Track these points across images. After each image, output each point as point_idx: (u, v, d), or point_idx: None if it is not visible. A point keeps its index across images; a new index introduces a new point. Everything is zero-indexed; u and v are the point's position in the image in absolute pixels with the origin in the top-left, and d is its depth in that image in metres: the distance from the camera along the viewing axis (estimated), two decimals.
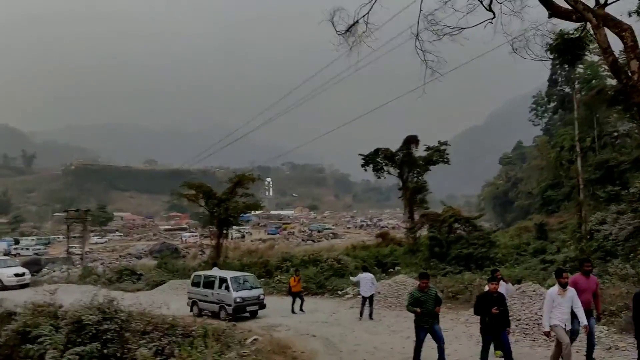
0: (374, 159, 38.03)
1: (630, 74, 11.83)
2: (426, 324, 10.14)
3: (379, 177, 39.14)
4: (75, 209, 55.43)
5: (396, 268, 26.86)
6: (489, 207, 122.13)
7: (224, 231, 36.40)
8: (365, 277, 17.05)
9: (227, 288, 18.47)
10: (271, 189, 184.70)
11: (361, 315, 16.82)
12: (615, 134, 59.46)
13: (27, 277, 30.97)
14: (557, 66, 76.32)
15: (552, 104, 79.05)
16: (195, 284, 20.42)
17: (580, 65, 76.26)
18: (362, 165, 38.51)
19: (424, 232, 36.24)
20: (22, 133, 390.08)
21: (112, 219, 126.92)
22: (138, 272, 30.04)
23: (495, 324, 9.21)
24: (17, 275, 30.14)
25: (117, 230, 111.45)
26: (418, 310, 10.03)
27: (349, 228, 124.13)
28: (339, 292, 21.50)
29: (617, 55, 12.21)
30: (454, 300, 16.80)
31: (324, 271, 27.53)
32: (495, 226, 79.87)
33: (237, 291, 18.41)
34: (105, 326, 12.60)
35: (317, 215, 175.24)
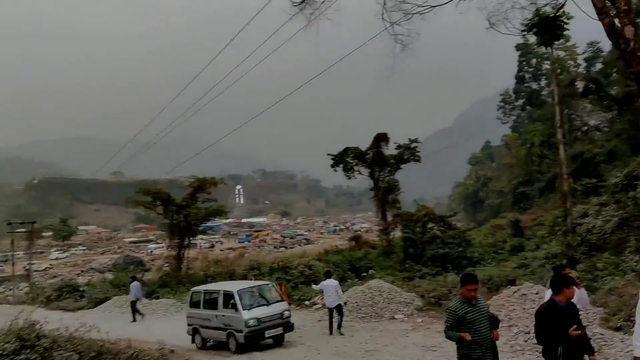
0: (344, 159, 36.37)
1: (624, 40, 10.43)
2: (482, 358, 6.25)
3: (349, 178, 37.49)
4: (20, 221, 51.61)
5: (370, 272, 24.57)
6: (460, 207, 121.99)
7: (186, 241, 33.98)
8: (329, 285, 14.85)
9: (234, 307, 13.72)
10: (242, 196, 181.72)
11: (331, 330, 14.60)
12: (585, 127, 59.29)
13: None
14: (524, 62, 76.63)
15: (520, 101, 79.07)
16: (194, 304, 15.84)
17: (547, 62, 76.77)
18: (332, 166, 36.81)
19: (398, 233, 34.85)
20: None
21: (75, 232, 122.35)
22: (81, 289, 27.38)
23: (574, 354, 5.94)
24: None
25: (80, 244, 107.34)
26: (467, 336, 6.13)
27: (322, 233, 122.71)
28: (306, 303, 19.40)
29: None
30: (436, 307, 14.95)
31: (293, 279, 25.70)
32: (467, 225, 79.24)
33: (248, 309, 13.63)
34: (24, 356, 10.41)
35: (289, 222, 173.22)
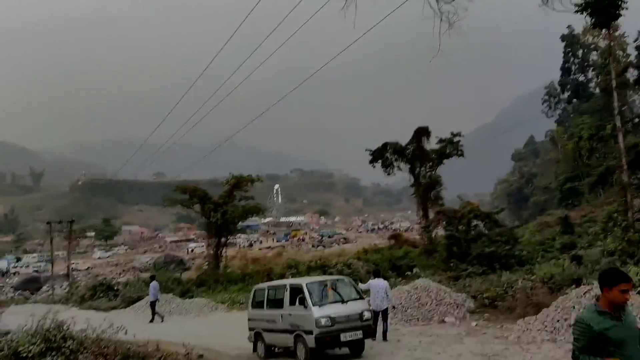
0: (383, 154, 35.20)
1: None
2: None
3: (388, 174, 36.26)
4: (58, 220, 52.23)
5: (414, 270, 22.84)
6: (503, 204, 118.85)
7: (223, 239, 33.53)
8: (377, 285, 13.08)
9: (303, 303, 11.22)
10: (279, 195, 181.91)
11: (374, 335, 12.47)
12: (636, 119, 56.36)
13: None
14: (570, 54, 73.64)
15: (566, 94, 76.09)
16: (257, 305, 13.46)
17: (594, 53, 73.58)
18: (370, 162, 35.68)
19: (440, 231, 33.52)
20: (31, 151, 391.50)
21: (117, 232, 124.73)
22: (115, 288, 27.11)
23: None
24: None
25: (122, 244, 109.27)
26: None
27: (360, 232, 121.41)
28: None
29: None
30: (490, 309, 13.42)
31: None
32: (512, 223, 76.73)
33: (320, 306, 11.05)
34: (49, 358, 9.83)
35: (327, 221, 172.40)
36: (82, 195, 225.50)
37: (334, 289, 11.80)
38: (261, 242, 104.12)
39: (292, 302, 11.57)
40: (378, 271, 14.51)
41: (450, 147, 34.73)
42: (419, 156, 34.42)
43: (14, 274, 61.22)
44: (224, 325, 17.57)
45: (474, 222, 31.02)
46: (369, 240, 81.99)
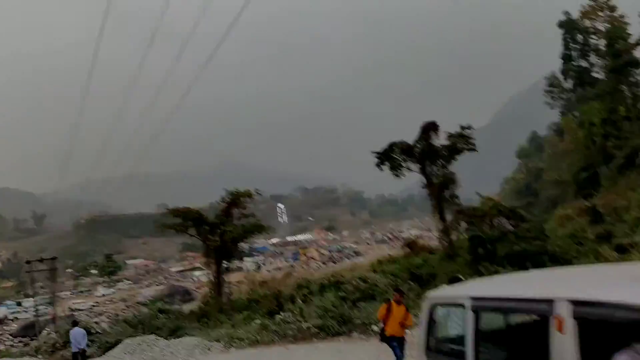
0: (390, 156, 32.44)
1: None
2: None
3: (397, 176, 33.38)
4: (39, 258, 49.14)
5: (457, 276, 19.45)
6: (514, 203, 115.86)
7: (224, 264, 30.53)
8: None
9: None
10: (285, 214, 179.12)
11: None
12: None
13: None
14: (569, 40, 71.14)
15: (570, 82, 73.38)
16: (448, 347, 5.06)
17: (593, 36, 71.19)
18: (377, 165, 32.88)
19: (459, 234, 30.71)
20: (33, 195, 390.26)
21: (120, 267, 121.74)
22: (93, 331, 23.69)
23: None
24: None
25: (126, 279, 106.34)
26: None
27: (369, 244, 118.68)
28: (374, 328, 13.94)
29: None
30: None
31: (348, 295, 21.89)
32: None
33: None
34: None
35: (336, 236, 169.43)
36: (86, 234, 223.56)
37: None
38: (271, 263, 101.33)
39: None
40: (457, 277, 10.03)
41: (461, 142, 31.98)
42: (428, 154, 31.67)
43: (12, 320, 58.20)
44: None
45: (497, 220, 28.32)
46: (380, 252, 79.28)
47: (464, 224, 28.97)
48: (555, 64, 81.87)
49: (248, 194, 30.38)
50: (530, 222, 28.10)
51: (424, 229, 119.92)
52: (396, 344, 9.79)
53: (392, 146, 32.30)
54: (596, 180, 60.02)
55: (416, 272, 29.40)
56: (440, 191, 31.44)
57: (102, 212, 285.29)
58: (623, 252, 21.04)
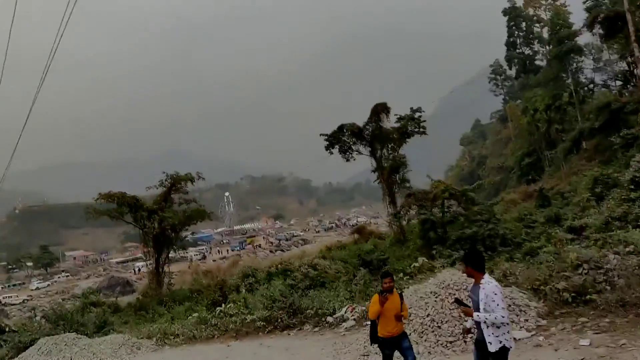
0: (340, 138, 31.36)
1: None
2: None
3: (347, 160, 32.44)
4: None
5: (419, 260, 17.51)
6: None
7: (165, 253, 28.52)
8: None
9: None
10: (231, 203, 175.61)
11: None
12: (591, 85, 55.05)
13: None
14: (513, 27, 72.26)
15: (514, 70, 74.65)
16: None
17: (537, 25, 72.57)
18: (326, 148, 31.74)
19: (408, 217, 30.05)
20: None
21: (57, 259, 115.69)
22: (7, 330, 20.74)
23: None
24: None
25: (63, 271, 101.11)
26: None
27: (318, 232, 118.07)
28: (329, 319, 12.14)
29: None
30: (569, 307, 8.12)
31: (297, 283, 20.68)
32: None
33: None
34: None
35: (283, 225, 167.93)
36: (20, 224, 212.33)
37: None
38: (219, 252, 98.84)
39: None
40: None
41: (412, 125, 31.24)
42: (379, 136, 30.81)
43: None
44: None
45: (448, 203, 27.78)
46: (328, 239, 78.53)
47: (414, 209, 28.23)
48: (499, 54, 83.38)
49: (189, 178, 28.45)
50: (480, 205, 27.63)
51: (372, 216, 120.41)
52: (394, 347, 6.95)
53: (341, 128, 31.24)
54: (539, 165, 61.34)
55: (366, 258, 28.60)
56: (390, 175, 30.69)
57: (37, 201, 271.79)
58: (576, 234, 20.75)
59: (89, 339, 14.27)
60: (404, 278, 13.62)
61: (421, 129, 31.32)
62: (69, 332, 15.32)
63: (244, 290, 19.73)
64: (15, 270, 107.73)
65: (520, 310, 7.92)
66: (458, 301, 6.03)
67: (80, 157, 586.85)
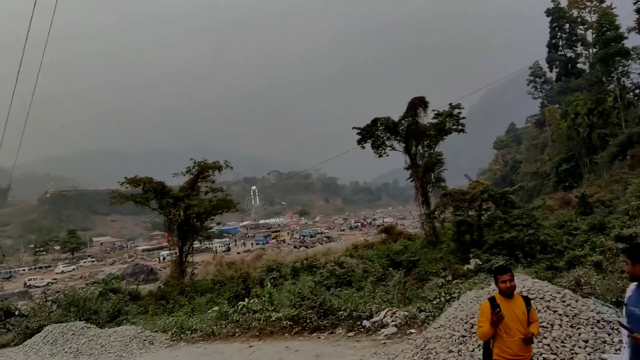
0: (373, 133, 30.09)
1: None
2: None
3: (380, 155, 31.08)
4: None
5: (472, 262, 15.50)
6: None
7: (188, 242, 27.70)
8: None
9: None
10: (257, 197, 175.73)
11: None
12: (637, 90, 52.55)
13: None
14: (556, 29, 69.79)
15: (555, 71, 72.14)
16: None
17: (581, 27, 69.87)
18: (358, 142, 30.53)
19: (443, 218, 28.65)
20: (0, 168, 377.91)
21: (84, 244, 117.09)
22: (17, 313, 19.33)
23: None
24: None
25: (89, 256, 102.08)
26: None
27: (342, 230, 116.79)
28: (365, 323, 10.60)
29: None
30: None
31: (322, 280, 19.61)
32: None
33: None
34: None
35: (308, 221, 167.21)
36: (51, 208, 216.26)
37: None
38: (244, 244, 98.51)
39: None
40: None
41: (450, 121, 29.76)
42: (414, 132, 29.41)
43: None
44: None
45: (486, 205, 26.32)
46: (353, 238, 77.35)
47: (449, 209, 26.82)
48: (532, 58, 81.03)
49: (217, 166, 27.57)
50: (520, 208, 26.11)
51: (398, 217, 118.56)
52: None
53: (375, 122, 29.97)
54: (577, 172, 58.98)
55: (396, 259, 27.39)
56: (425, 173, 29.30)
57: (68, 186, 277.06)
58: (626, 243, 19.21)
59: (99, 329, 12.95)
60: (453, 281, 12.22)
61: (460, 126, 29.83)
62: (80, 319, 14.41)
63: (268, 284, 18.55)
64: (42, 253, 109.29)
65: (612, 329, 6.35)
66: (622, 324, 4.35)
67: (113, 146, 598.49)
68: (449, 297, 9.07)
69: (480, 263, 16.74)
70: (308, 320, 11.40)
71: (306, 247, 77.63)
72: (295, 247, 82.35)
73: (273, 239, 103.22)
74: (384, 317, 10.53)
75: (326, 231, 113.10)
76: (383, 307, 11.16)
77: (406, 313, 9.62)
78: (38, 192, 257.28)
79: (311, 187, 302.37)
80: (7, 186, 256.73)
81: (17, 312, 19.00)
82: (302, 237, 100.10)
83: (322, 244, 79.16)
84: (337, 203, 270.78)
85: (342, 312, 10.80)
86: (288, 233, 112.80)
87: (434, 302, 9.54)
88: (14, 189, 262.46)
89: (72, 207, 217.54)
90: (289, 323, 11.74)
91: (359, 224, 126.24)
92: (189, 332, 12.98)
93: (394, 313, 10.41)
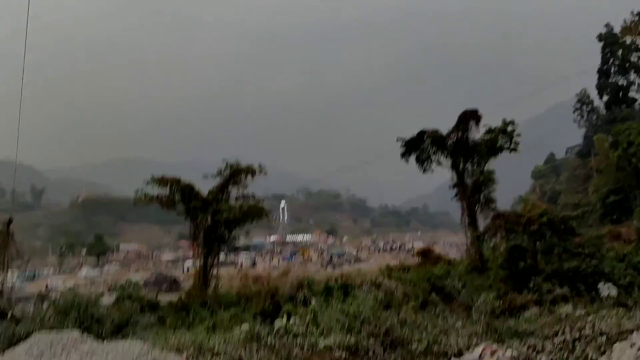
0: (418, 145, 27.99)
1: None
2: None
3: (424, 171, 28.93)
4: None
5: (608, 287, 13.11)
6: None
7: (214, 252, 25.80)
8: None
9: None
10: (286, 214, 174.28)
11: None
12: None
13: None
14: (608, 54, 66.87)
15: (606, 98, 68.91)
16: None
17: (636, 53, 66.80)
18: (402, 155, 28.47)
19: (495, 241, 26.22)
20: (32, 168, 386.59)
21: (109, 249, 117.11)
22: (9, 316, 16.66)
23: None
24: None
25: (115, 262, 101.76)
26: None
27: (371, 252, 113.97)
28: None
29: None
30: None
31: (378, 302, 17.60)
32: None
33: None
34: None
35: (336, 240, 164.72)
36: (81, 213, 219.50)
37: None
38: (271, 259, 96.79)
39: None
40: None
41: (504, 138, 27.50)
42: (464, 147, 27.18)
43: None
44: None
45: (542, 230, 23.84)
46: (382, 260, 74.84)
47: (501, 232, 24.42)
48: (572, 91, 78.59)
49: (250, 170, 25.78)
50: (581, 236, 23.57)
51: (429, 242, 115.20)
52: None
53: (421, 134, 27.88)
54: (626, 205, 55.56)
55: (437, 284, 25.03)
56: (473, 192, 26.97)
57: (101, 193, 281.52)
58: None
59: (97, 343, 10.14)
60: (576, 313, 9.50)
61: (513, 144, 27.52)
62: (79, 327, 12.22)
63: (313, 302, 16.26)
64: (68, 256, 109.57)
65: None
66: None
67: (147, 154, 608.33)
68: (577, 335, 6.87)
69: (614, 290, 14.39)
70: (369, 352, 8.65)
71: (333, 266, 75.21)
72: (322, 265, 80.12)
73: (302, 255, 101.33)
74: (482, 356, 7.78)
75: (354, 252, 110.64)
76: (473, 340, 8.72)
77: (514, 352, 7.15)
78: (70, 196, 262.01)
79: (339, 207, 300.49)
80: (42, 188, 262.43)
81: (9, 315, 16.91)
82: (330, 257, 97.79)
83: (350, 264, 76.82)
84: (365, 224, 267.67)
85: (416, 343, 8.23)
86: (315, 251, 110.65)
87: (554, 339, 7.29)
88: (48, 192, 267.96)
89: (102, 214, 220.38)
90: (343, 354, 9.05)
91: (389, 246, 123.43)
92: (210, 354, 10.26)
93: (494, 352, 7.66)
